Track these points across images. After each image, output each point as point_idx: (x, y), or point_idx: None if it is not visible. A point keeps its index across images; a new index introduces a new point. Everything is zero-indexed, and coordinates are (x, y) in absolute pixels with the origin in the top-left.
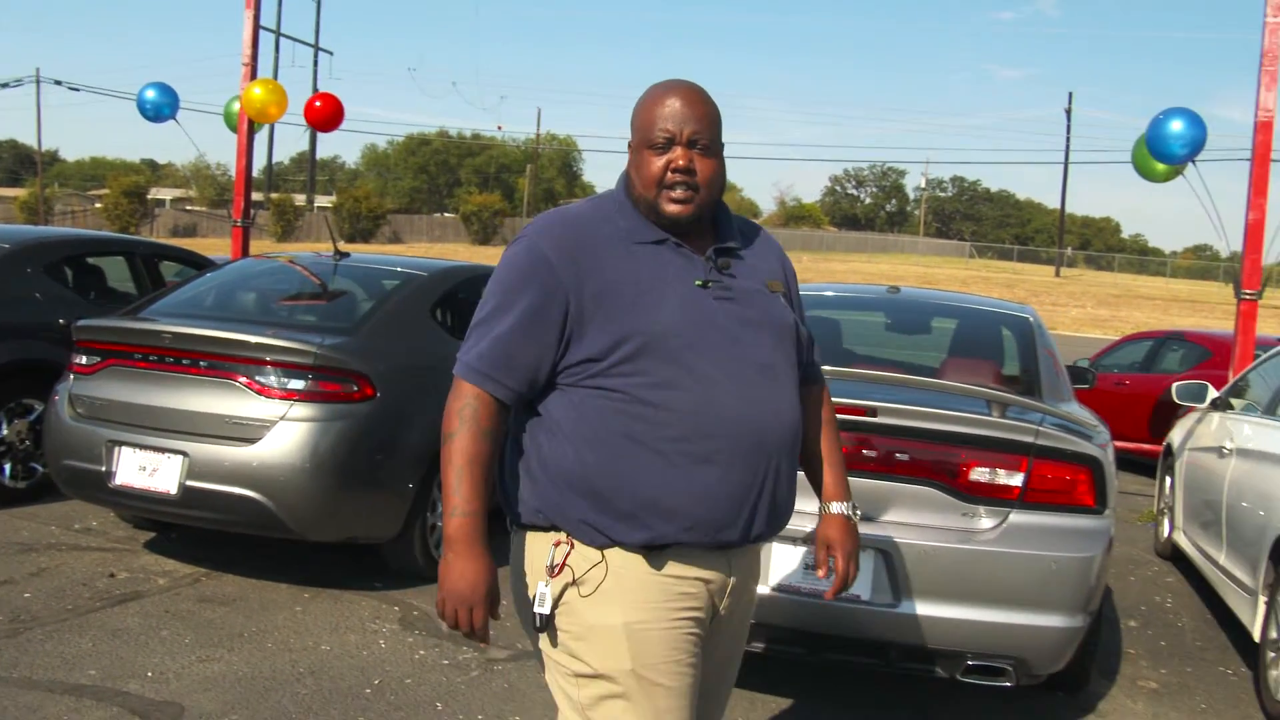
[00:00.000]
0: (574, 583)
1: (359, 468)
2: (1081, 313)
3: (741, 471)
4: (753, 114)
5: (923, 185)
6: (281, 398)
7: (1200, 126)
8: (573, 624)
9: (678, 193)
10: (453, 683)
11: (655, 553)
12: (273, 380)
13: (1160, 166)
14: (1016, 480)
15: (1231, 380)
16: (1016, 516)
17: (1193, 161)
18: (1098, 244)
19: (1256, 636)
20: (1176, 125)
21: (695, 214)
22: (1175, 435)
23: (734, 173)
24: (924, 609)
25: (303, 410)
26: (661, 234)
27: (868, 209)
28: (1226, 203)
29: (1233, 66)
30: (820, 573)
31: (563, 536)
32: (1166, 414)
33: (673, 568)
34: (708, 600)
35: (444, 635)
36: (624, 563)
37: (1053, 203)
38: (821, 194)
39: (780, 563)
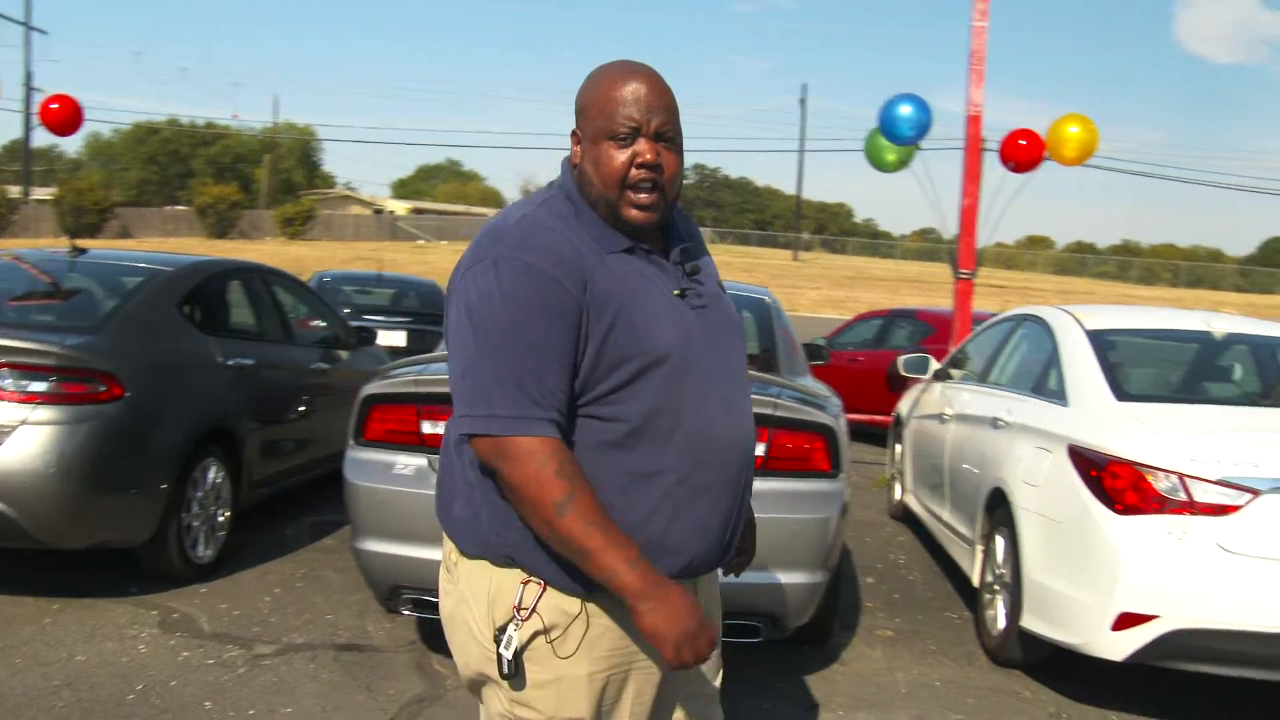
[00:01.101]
0: (544, 631)
1: (108, 470)
2: (818, 294)
3: (729, 497)
4: (497, 102)
5: None
6: (21, 401)
7: (927, 111)
8: (536, 671)
9: (642, 196)
10: (220, 681)
11: None
12: (10, 384)
13: (891, 157)
14: (759, 450)
15: (950, 353)
16: (759, 484)
17: (919, 146)
18: (833, 228)
19: (976, 582)
20: (905, 109)
21: (659, 219)
22: (903, 405)
23: (477, 161)
24: None
25: (46, 413)
26: (628, 241)
27: None
28: (947, 189)
29: (951, 61)
30: (724, 573)
31: (530, 579)
32: (897, 386)
33: None
34: None
35: (207, 635)
36: (601, 610)
37: (790, 189)
38: None
39: None
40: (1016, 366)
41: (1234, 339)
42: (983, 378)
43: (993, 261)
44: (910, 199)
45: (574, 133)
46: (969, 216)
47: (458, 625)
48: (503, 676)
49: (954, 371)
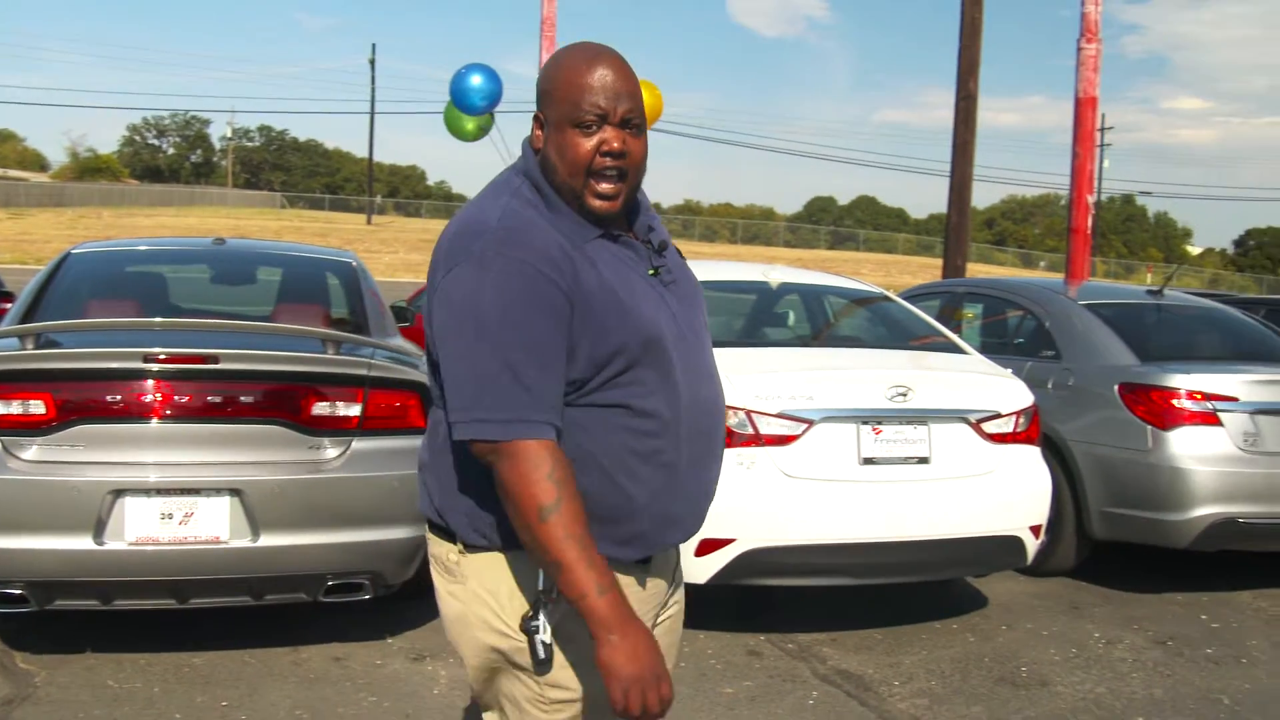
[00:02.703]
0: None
1: None
2: (395, 258)
3: (715, 463)
4: (41, 57)
5: (229, 135)
6: None
7: (497, 80)
8: (566, 650)
9: (605, 185)
10: None
11: (644, 565)
12: None
13: (470, 126)
14: (355, 410)
15: None
16: (359, 443)
17: (492, 113)
18: (406, 191)
19: None
20: (476, 79)
21: (622, 208)
22: None
23: (17, 120)
24: (283, 540)
25: None
26: (598, 229)
27: (171, 160)
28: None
29: (524, 23)
30: None
31: None
32: None
33: (651, 575)
34: (663, 597)
35: None
36: (621, 577)
37: (361, 152)
38: (119, 144)
39: (135, 517)
40: None
41: (787, 288)
42: None
43: None
44: (484, 161)
45: (536, 116)
46: None
47: (471, 623)
48: (538, 663)
49: None
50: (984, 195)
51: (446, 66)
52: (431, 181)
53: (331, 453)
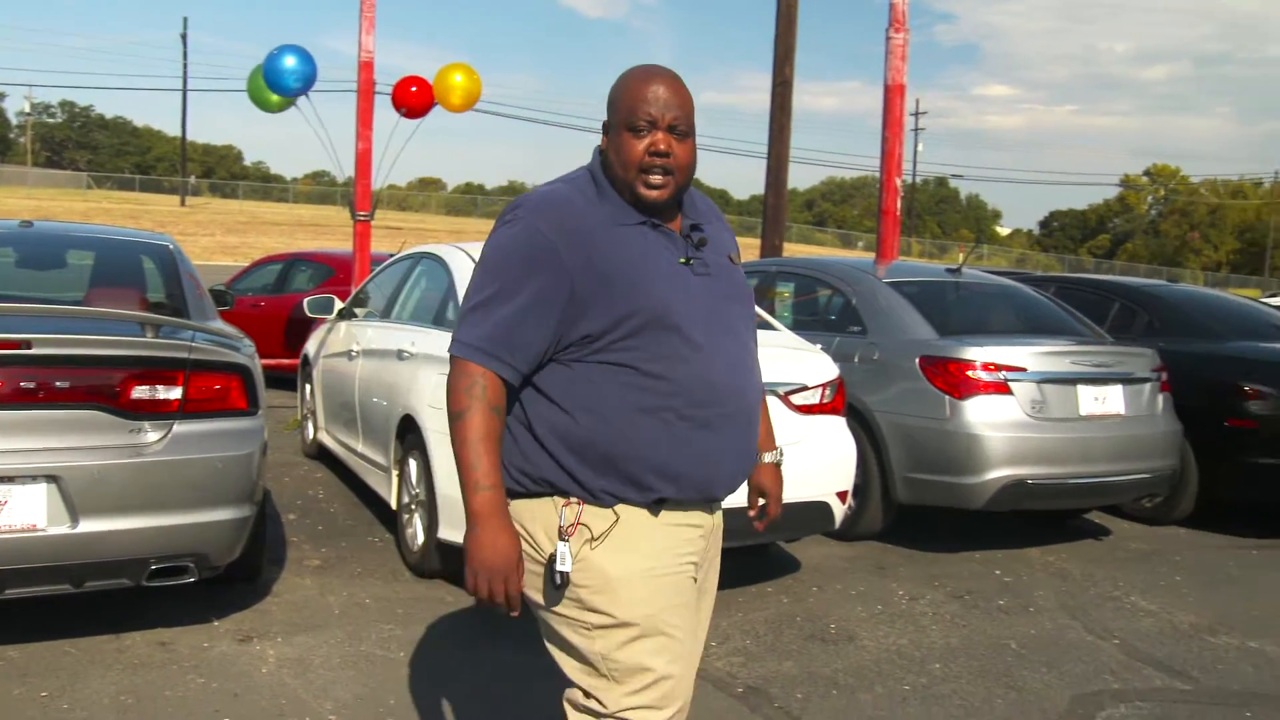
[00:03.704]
0: (592, 539)
1: None
2: (211, 240)
3: (731, 435)
4: None
5: (27, 110)
6: None
7: (311, 62)
8: (591, 579)
9: (655, 177)
10: None
11: (658, 505)
12: None
13: (274, 98)
14: (175, 394)
15: (353, 292)
16: (180, 426)
17: (307, 95)
18: (221, 171)
19: (394, 505)
20: (290, 61)
21: (671, 198)
22: (310, 346)
23: None
24: (104, 526)
25: None
26: (642, 216)
27: None
28: (341, 131)
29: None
30: (752, 513)
31: (569, 499)
32: (301, 329)
33: (674, 517)
34: (701, 545)
35: None
36: (634, 516)
37: (173, 130)
38: None
39: None
40: (417, 301)
41: None
42: (386, 314)
43: (386, 204)
44: (302, 141)
45: (604, 123)
46: (364, 160)
47: (522, 561)
48: (554, 589)
49: (358, 310)
50: (805, 177)
51: (263, 43)
52: (249, 161)
53: (152, 436)
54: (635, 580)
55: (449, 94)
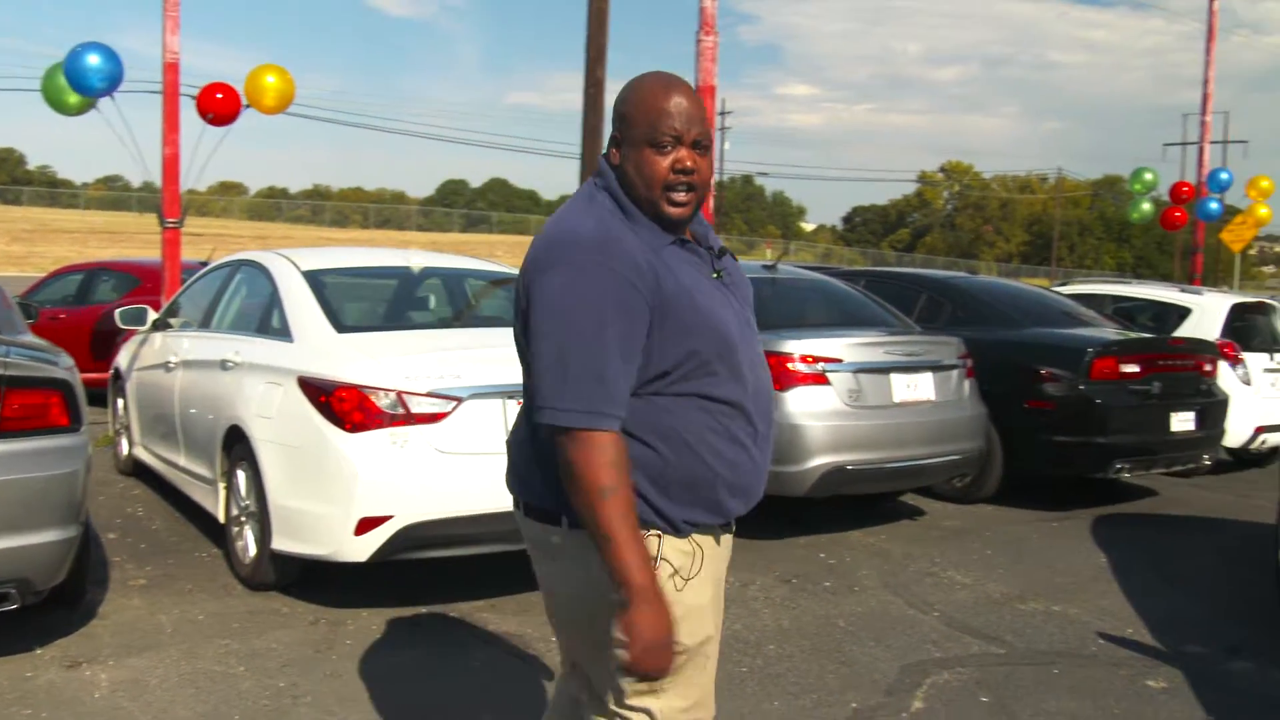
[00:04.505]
0: (674, 573)
1: None
2: None
3: (771, 442)
4: None
5: None
6: None
7: (117, 62)
8: (674, 610)
9: (680, 195)
10: None
11: (725, 529)
12: None
13: (74, 99)
14: None
15: (167, 302)
16: None
17: (111, 96)
18: (3, 176)
19: (222, 519)
20: (94, 59)
21: (692, 216)
22: (122, 359)
23: None
24: None
25: None
26: (670, 236)
27: None
28: (143, 133)
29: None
30: None
31: (649, 530)
32: (107, 342)
33: (726, 539)
34: (726, 555)
35: None
36: (705, 544)
37: None
38: None
39: None
40: (239, 310)
41: (429, 272)
42: (205, 324)
43: (185, 210)
44: (93, 144)
45: (613, 135)
46: (171, 165)
47: (573, 600)
48: None
49: (173, 320)
50: None
51: (50, 40)
52: (32, 166)
53: None
54: (706, 608)
55: (262, 96)
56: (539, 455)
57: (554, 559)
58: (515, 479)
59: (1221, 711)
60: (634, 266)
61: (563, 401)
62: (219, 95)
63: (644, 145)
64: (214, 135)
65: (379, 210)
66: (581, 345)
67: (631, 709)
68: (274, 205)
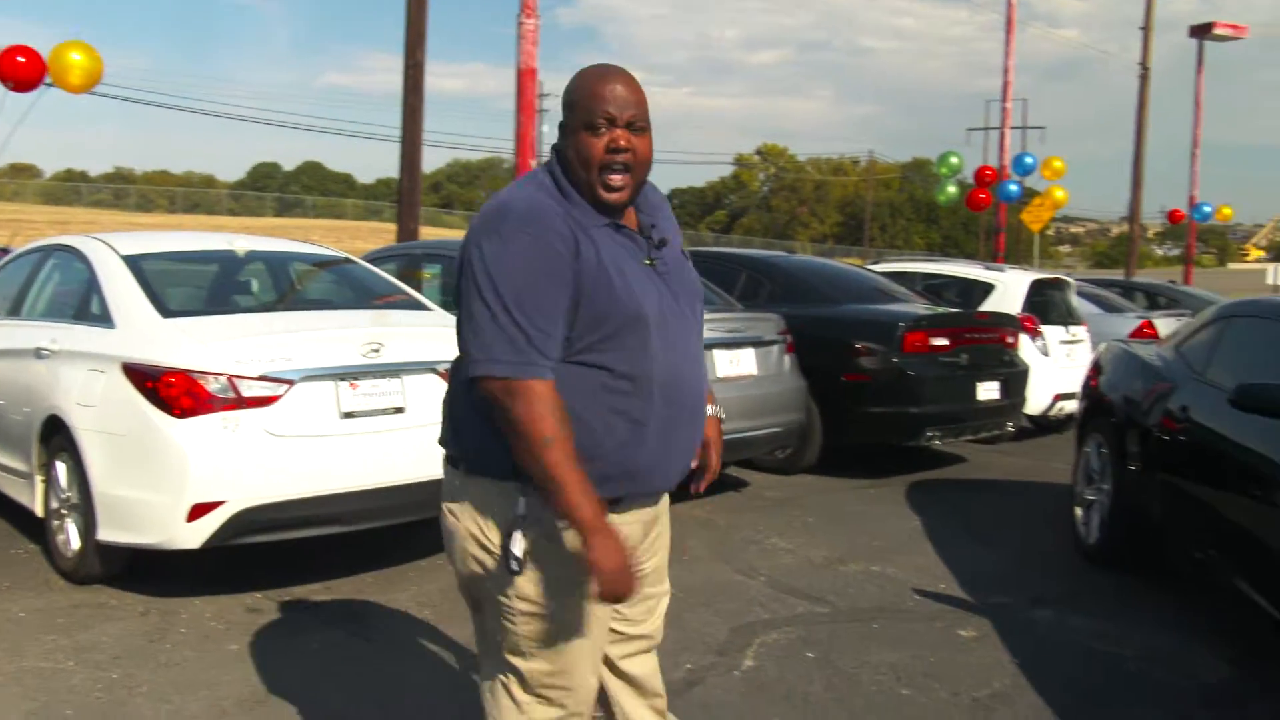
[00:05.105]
0: (543, 534)
1: None
2: None
3: (689, 432)
4: None
5: None
6: None
7: None
8: (534, 569)
9: (615, 178)
10: None
11: (613, 504)
12: None
13: None
14: None
15: None
16: None
17: None
18: None
19: (40, 513)
20: None
21: (630, 198)
22: None
23: None
24: None
25: None
26: (604, 219)
27: None
28: None
29: None
30: (694, 464)
31: (526, 486)
32: None
33: (622, 515)
34: (640, 535)
35: None
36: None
37: None
38: None
39: None
40: (53, 297)
41: (253, 256)
42: (15, 312)
43: None
44: None
45: (560, 124)
46: None
47: (462, 536)
48: (510, 573)
49: None
50: (431, 159)
51: None
52: None
53: None
54: (571, 573)
55: (66, 73)
56: (452, 408)
57: (455, 499)
58: (441, 431)
59: (1026, 655)
60: (558, 235)
61: (494, 352)
62: (20, 59)
63: (581, 129)
64: (14, 107)
65: (187, 194)
66: (511, 301)
67: (507, 666)
68: (72, 189)
